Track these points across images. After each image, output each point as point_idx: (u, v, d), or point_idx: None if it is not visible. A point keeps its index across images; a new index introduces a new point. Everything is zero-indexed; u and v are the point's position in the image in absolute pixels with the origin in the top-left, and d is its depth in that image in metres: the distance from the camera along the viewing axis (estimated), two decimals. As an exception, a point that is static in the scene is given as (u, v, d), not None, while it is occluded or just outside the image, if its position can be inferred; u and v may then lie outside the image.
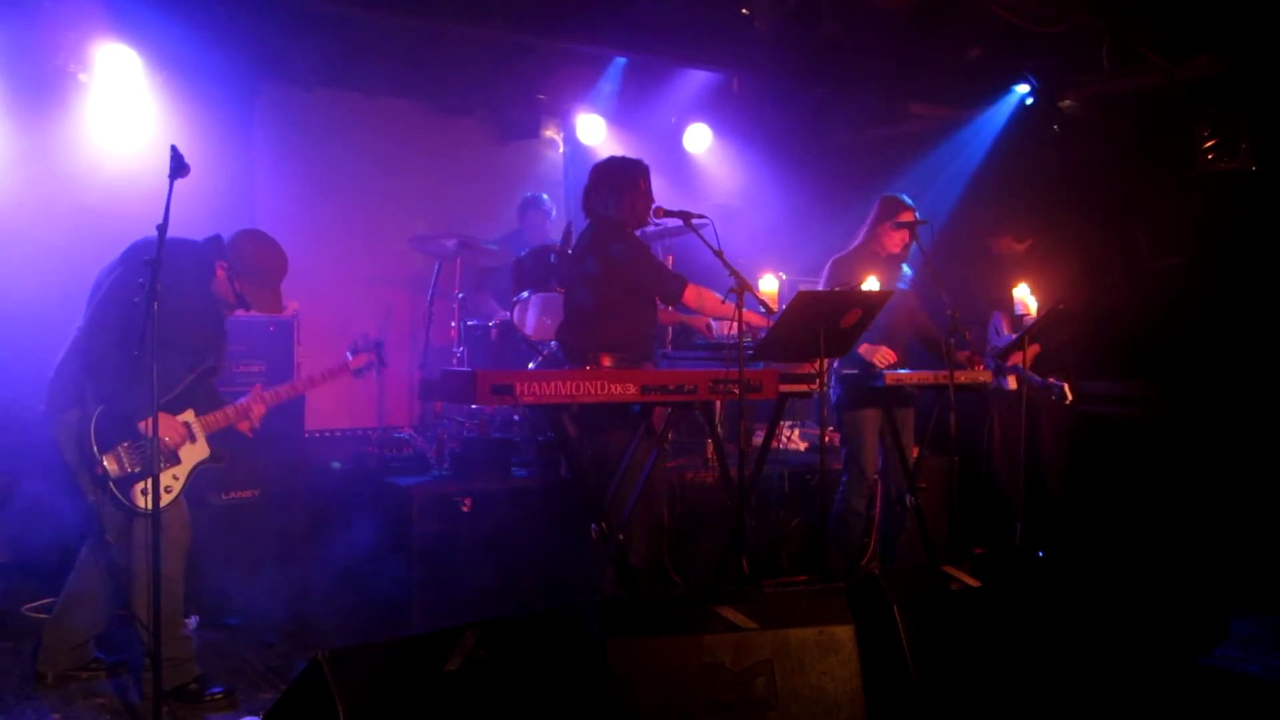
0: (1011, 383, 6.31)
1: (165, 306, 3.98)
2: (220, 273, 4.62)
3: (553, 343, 6.59)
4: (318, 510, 6.15)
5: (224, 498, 5.86)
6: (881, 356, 6.09)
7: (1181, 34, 6.78)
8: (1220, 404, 7.03)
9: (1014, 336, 6.37)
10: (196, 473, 4.67)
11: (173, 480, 4.57)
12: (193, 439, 4.64)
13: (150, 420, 4.07)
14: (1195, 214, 7.15)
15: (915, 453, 6.40)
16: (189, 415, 4.62)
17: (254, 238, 4.69)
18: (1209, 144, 7.00)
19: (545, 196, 8.06)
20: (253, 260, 4.64)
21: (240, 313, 5.69)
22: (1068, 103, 7.85)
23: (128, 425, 4.41)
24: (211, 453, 4.71)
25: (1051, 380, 6.34)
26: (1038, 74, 7.76)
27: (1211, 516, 6.77)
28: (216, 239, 4.67)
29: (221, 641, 5.49)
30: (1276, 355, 6.78)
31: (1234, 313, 6.94)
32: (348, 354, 5.20)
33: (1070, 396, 6.35)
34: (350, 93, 8.18)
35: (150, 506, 4.01)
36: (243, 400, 4.79)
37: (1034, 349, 6.41)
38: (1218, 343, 7.03)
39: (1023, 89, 7.93)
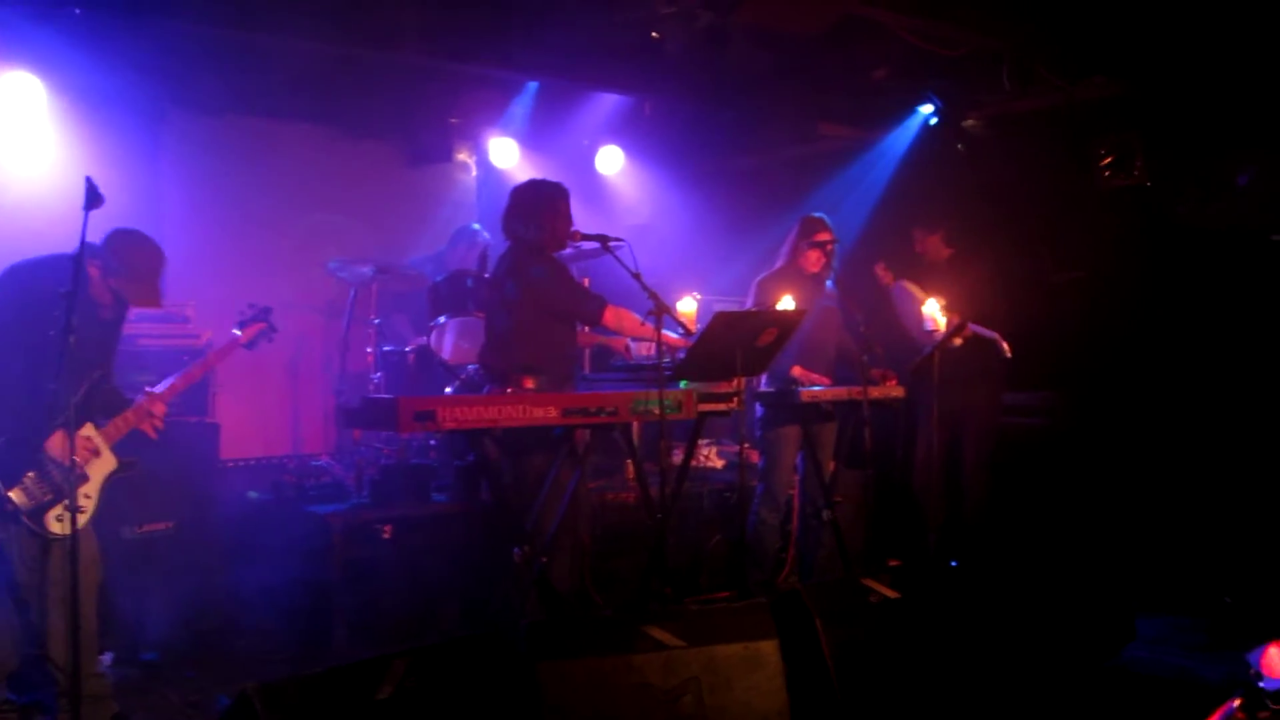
0: (956, 341, 6.44)
1: (40, 327, 3.97)
2: (94, 272, 4.51)
3: (470, 366, 6.60)
4: (234, 541, 6.05)
5: (137, 530, 5.74)
6: (815, 381, 6.23)
7: (1077, 56, 7.02)
8: (1121, 412, 7.26)
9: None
10: (108, 486, 4.59)
11: (84, 499, 4.46)
12: (97, 453, 4.56)
13: (52, 443, 4.14)
14: (1095, 229, 7.40)
15: (831, 467, 6.52)
16: (89, 430, 4.53)
17: (124, 235, 4.59)
18: (1106, 161, 7.23)
19: (477, 226, 8.05)
20: (124, 255, 4.53)
21: (149, 341, 5.60)
22: (971, 122, 8.06)
23: (30, 454, 4.33)
24: (119, 462, 4.63)
25: (990, 334, 6.57)
26: (941, 95, 7.95)
27: (1116, 521, 6.98)
28: (87, 245, 4.47)
29: (139, 677, 5.37)
30: (1172, 363, 7.02)
31: (1133, 324, 7.17)
32: (235, 329, 5.14)
33: (1008, 352, 6.63)
34: (260, 118, 8.09)
35: (67, 531, 3.95)
36: (139, 401, 4.71)
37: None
38: (1118, 353, 7.26)
39: (927, 109, 8.11)
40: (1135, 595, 6.13)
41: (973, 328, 6.57)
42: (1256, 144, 6.66)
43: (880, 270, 7.26)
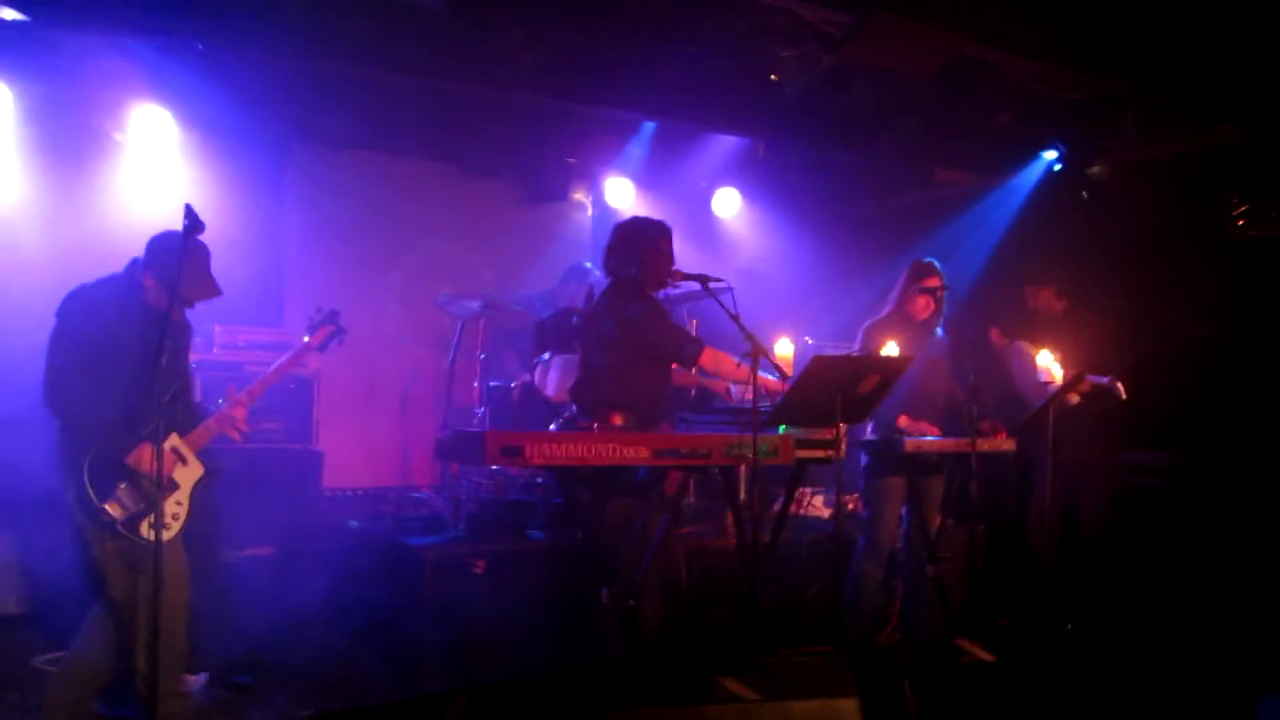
0: (1073, 398, 6.22)
1: (110, 348, 4.18)
2: (149, 283, 4.62)
3: (573, 406, 6.58)
4: (332, 568, 6.12)
5: (238, 554, 5.85)
6: (922, 430, 6.06)
7: (1205, 101, 6.75)
8: (1251, 477, 6.88)
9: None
10: (205, 500, 4.68)
11: (177, 506, 4.57)
12: (184, 461, 4.64)
13: (138, 452, 4.30)
14: (1227, 283, 7.07)
15: (938, 522, 6.31)
16: (173, 439, 4.61)
17: (163, 238, 4.66)
18: (1239, 211, 6.93)
19: (589, 265, 8.09)
20: (170, 256, 4.62)
21: (254, 369, 5.71)
22: (1096, 169, 7.82)
23: (120, 466, 4.44)
24: (206, 469, 4.71)
25: (1105, 380, 6.31)
26: (1065, 140, 7.73)
27: (1240, 592, 6.61)
28: (134, 261, 4.66)
29: (230, 700, 5.44)
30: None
31: (1264, 382, 6.81)
32: (305, 334, 5.17)
33: (1124, 394, 6.35)
34: (380, 154, 8.28)
35: (163, 539, 4.06)
36: (222, 408, 4.80)
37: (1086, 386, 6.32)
38: (1250, 414, 6.90)
39: (1050, 155, 7.90)
40: (1257, 674, 5.77)
41: (1089, 378, 6.32)
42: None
43: (995, 335, 7.04)
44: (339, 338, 5.29)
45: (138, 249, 4.71)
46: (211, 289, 4.76)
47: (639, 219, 5.73)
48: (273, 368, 5.08)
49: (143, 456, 4.42)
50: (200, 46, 6.22)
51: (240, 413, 4.83)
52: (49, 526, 5.50)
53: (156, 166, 7.17)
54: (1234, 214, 7.05)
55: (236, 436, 4.85)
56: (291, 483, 6.10)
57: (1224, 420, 7.05)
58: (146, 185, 7.18)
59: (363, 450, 7.94)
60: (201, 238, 4.47)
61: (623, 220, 5.75)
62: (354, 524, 6.56)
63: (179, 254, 4.41)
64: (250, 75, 6.77)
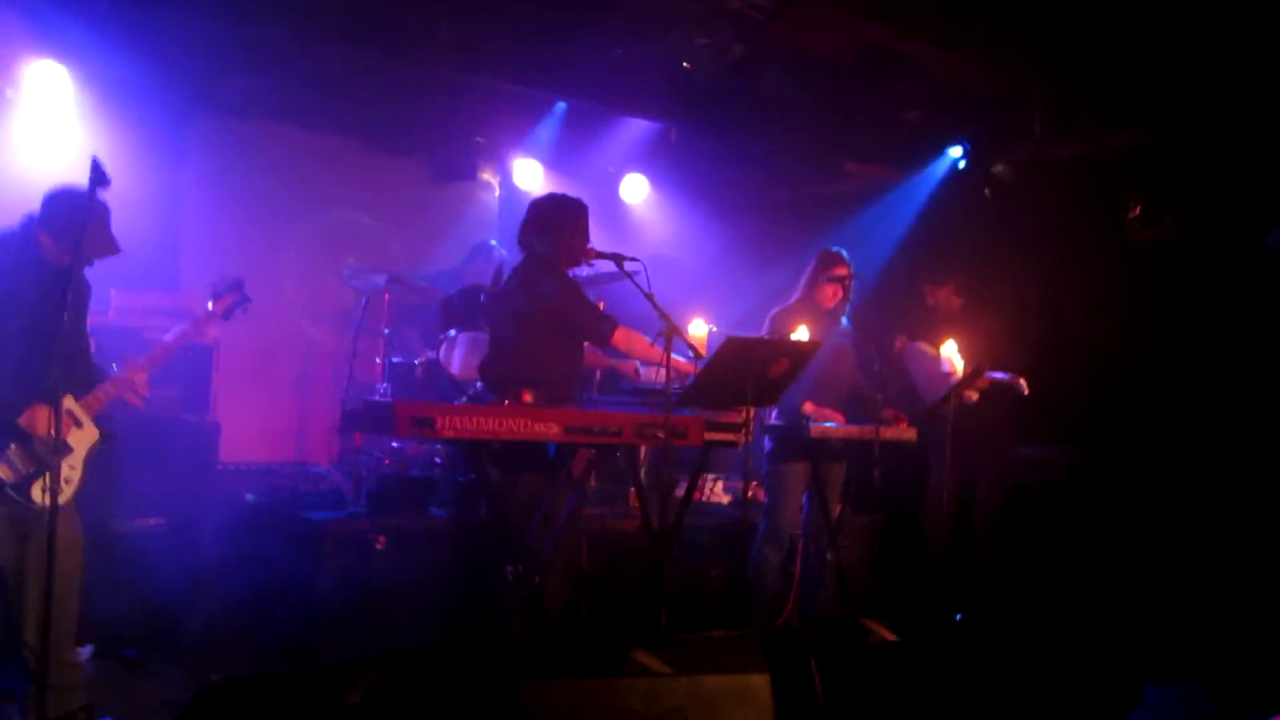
0: (973, 396, 6.32)
1: (4, 303, 4.09)
2: (44, 239, 4.46)
3: (478, 383, 6.50)
4: (226, 542, 5.96)
5: (128, 523, 5.66)
6: (827, 417, 6.11)
7: (1113, 104, 6.94)
8: (1140, 471, 7.10)
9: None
10: (98, 465, 4.51)
11: (70, 470, 4.41)
12: (79, 424, 4.48)
13: (32, 413, 4.17)
14: (1121, 283, 7.27)
15: (839, 509, 6.39)
16: (68, 401, 4.44)
17: (59, 194, 4.50)
18: (1135, 213, 7.13)
19: (495, 242, 8.00)
20: (66, 212, 4.44)
21: (158, 334, 5.53)
22: (1000, 168, 7.97)
23: (11, 426, 4.28)
24: (101, 433, 4.56)
25: (1007, 377, 6.44)
26: (971, 139, 7.88)
27: (1130, 583, 6.80)
28: (29, 215, 4.50)
29: (117, 672, 5.28)
30: (1197, 423, 6.87)
31: (1157, 381, 7.03)
32: (208, 301, 5.03)
33: (1025, 390, 6.47)
34: (286, 125, 8.09)
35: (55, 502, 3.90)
36: (120, 372, 4.64)
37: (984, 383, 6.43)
38: (1141, 410, 7.11)
39: (956, 153, 8.04)
40: (1144, 660, 5.94)
41: (989, 375, 6.44)
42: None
43: (899, 340, 7.13)
44: (243, 307, 5.15)
45: (28, 206, 4.53)
46: (111, 246, 4.61)
47: (556, 196, 5.68)
48: (174, 333, 4.93)
49: (37, 417, 4.25)
50: (103, 1, 5.99)
51: (141, 377, 4.68)
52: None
53: (51, 124, 6.87)
54: (1130, 216, 7.24)
55: (137, 402, 4.69)
56: (187, 453, 5.90)
57: (1114, 417, 7.25)
58: (40, 143, 6.88)
59: (259, 424, 7.75)
60: (100, 197, 4.32)
61: (540, 196, 5.70)
62: (250, 497, 6.40)
63: (84, 209, 4.25)
64: (156, 35, 6.53)
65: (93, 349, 4.71)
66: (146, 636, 5.51)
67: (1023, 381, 6.53)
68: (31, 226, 4.49)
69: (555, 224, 5.48)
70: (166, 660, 5.44)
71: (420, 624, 5.74)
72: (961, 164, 8.03)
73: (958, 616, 6.20)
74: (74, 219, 4.35)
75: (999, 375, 6.56)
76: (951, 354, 6.30)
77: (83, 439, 4.50)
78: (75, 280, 4.32)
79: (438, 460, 6.90)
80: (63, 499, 4.21)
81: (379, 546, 5.72)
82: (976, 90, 7.01)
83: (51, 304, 4.06)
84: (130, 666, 5.37)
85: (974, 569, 6.95)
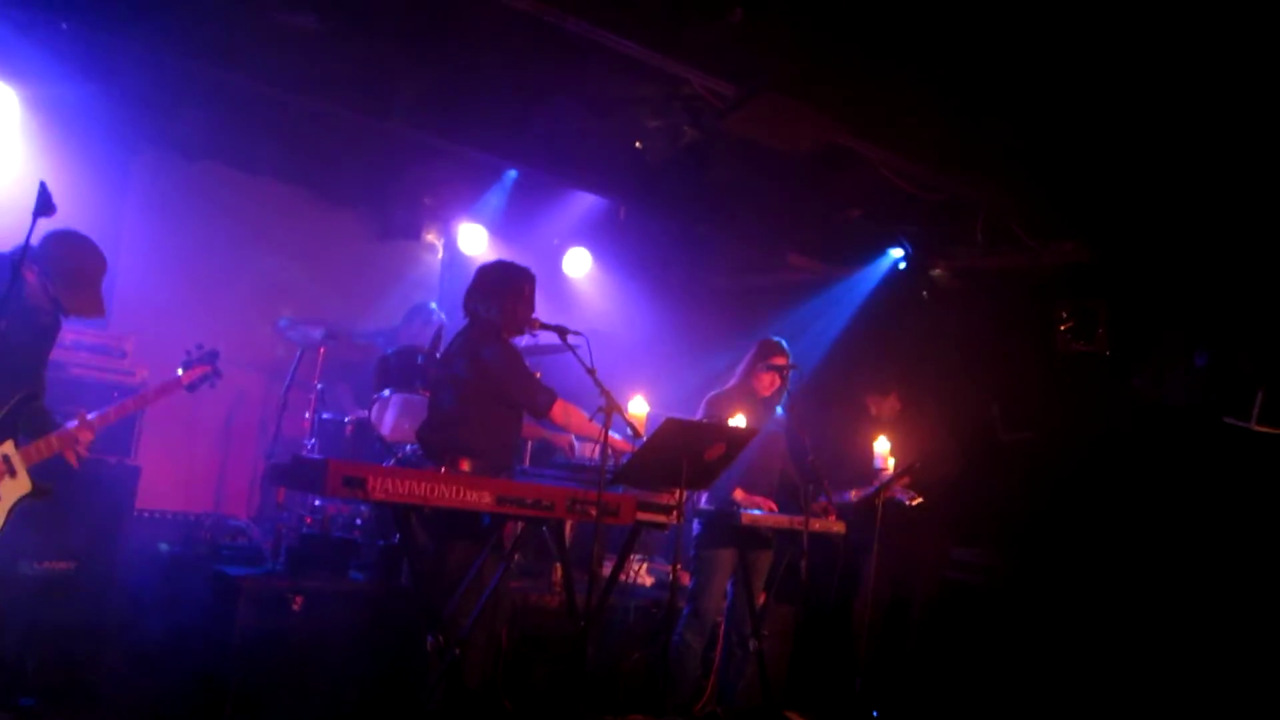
0: (852, 495, 6.42)
1: None
2: (30, 276, 4.31)
3: (409, 446, 6.42)
4: (137, 591, 5.76)
5: (37, 566, 5.44)
6: (758, 504, 6.11)
7: (1050, 218, 7.12)
8: (1060, 577, 7.18)
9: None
10: (16, 512, 4.33)
11: None
12: (12, 473, 4.31)
13: None
14: (1050, 391, 7.41)
15: (762, 598, 6.37)
16: (8, 447, 4.28)
17: (64, 236, 4.42)
18: (1066, 325, 7.29)
19: (434, 305, 7.94)
20: (65, 259, 4.37)
21: (82, 371, 5.40)
22: (938, 272, 8.13)
23: None
24: (34, 486, 4.38)
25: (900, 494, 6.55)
26: (912, 241, 8.03)
27: (1046, 688, 6.84)
28: (24, 246, 4.28)
29: (11, 723, 5.06)
30: (1114, 532, 6.98)
31: (1079, 489, 7.14)
32: (179, 368, 4.94)
33: (915, 499, 6.62)
34: (234, 169, 7.97)
35: None
36: (69, 426, 4.47)
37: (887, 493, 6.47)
38: (1062, 518, 7.21)
39: (897, 253, 8.18)
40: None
41: (898, 496, 6.55)
42: (1216, 328, 6.74)
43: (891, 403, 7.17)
44: (212, 381, 5.09)
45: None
46: (97, 307, 4.47)
47: (504, 263, 5.68)
48: (135, 397, 4.85)
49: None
50: (65, 26, 5.90)
51: (87, 436, 4.54)
52: None
53: (-7, 144, 6.75)
54: (1061, 328, 7.39)
55: (74, 462, 4.54)
56: (104, 496, 5.71)
57: (1034, 524, 7.34)
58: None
59: (179, 471, 7.56)
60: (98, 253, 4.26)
61: (488, 263, 5.70)
62: (165, 547, 6.22)
63: (84, 260, 4.19)
64: (111, 66, 6.44)
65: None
66: (47, 686, 5.27)
67: (916, 499, 6.64)
68: (18, 259, 4.29)
69: (502, 291, 5.48)
70: (63, 712, 5.21)
71: (336, 690, 5.58)
72: (902, 265, 8.16)
73: (875, 713, 6.22)
74: (74, 269, 4.26)
75: (898, 495, 6.63)
76: (883, 450, 6.37)
77: (13, 489, 4.33)
78: (50, 326, 4.21)
79: (359, 522, 6.78)
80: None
81: (296, 607, 5.57)
82: (921, 194, 7.14)
83: (15, 342, 3.92)
84: (26, 716, 5.14)
85: (896, 666, 6.95)
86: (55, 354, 6.06)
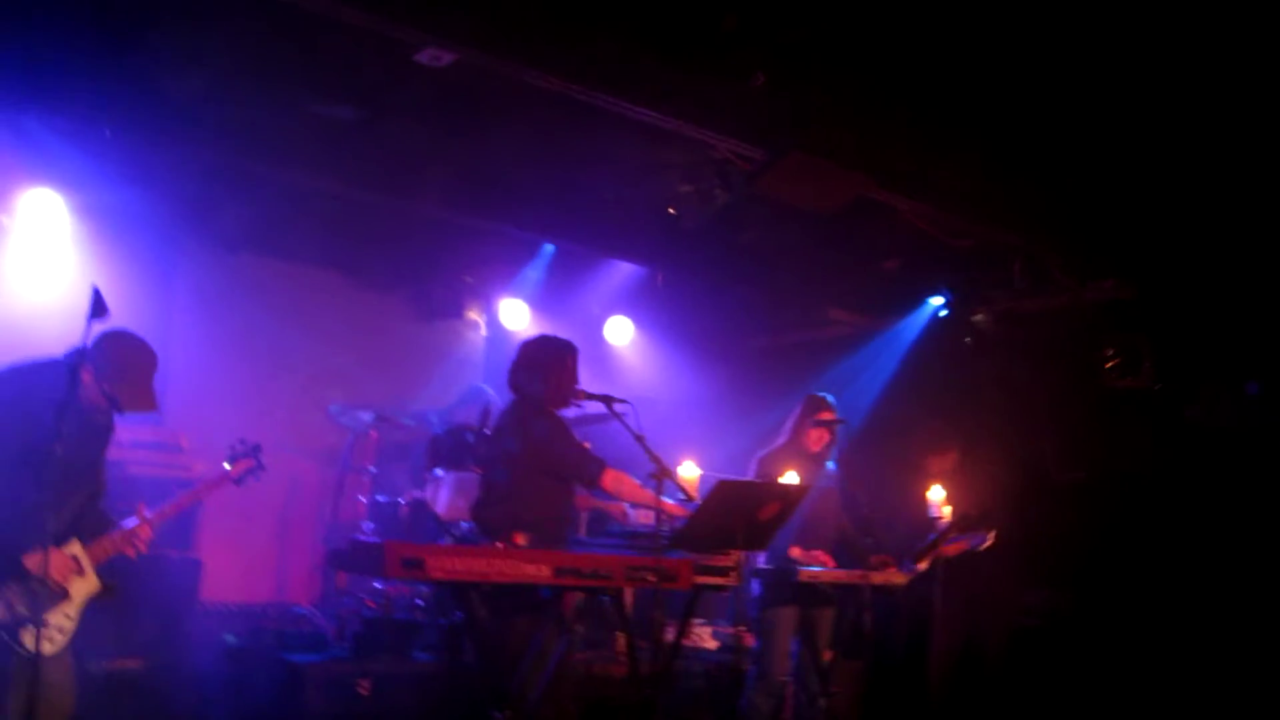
0: (922, 565, 6.30)
1: (34, 434, 3.93)
2: (86, 377, 4.39)
3: (464, 524, 6.45)
4: (205, 683, 5.80)
5: (104, 665, 5.50)
6: (815, 560, 6.08)
7: (1089, 257, 7.12)
8: (1127, 616, 7.07)
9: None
10: (87, 608, 4.40)
11: (64, 619, 4.30)
12: (81, 572, 4.37)
13: (37, 557, 3.98)
14: (1100, 429, 7.36)
15: (829, 655, 6.31)
16: (75, 547, 4.35)
17: (118, 336, 4.49)
18: (1112, 362, 7.25)
19: (486, 386, 8.02)
20: (118, 358, 4.43)
21: (140, 469, 5.48)
22: (980, 317, 8.11)
23: (13, 565, 4.16)
24: (102, 585, 4.44)
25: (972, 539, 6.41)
26: (952, 288, 8.04)
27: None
28: (79, 349, 4.32)
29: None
30: (1181, 566, 6.88)
31: (1139, 526, 7.06)
32: (225, 463, 5.01)
33: (990, 540, 6.41)
34: (275, 259, 8.15)
35: (46, 651, 3.90)
36: (128, 523, 4.55)
37: (956, 547, 6.40)
38: (1124, 556, 7.12)
39: (937, 301, 8.19)
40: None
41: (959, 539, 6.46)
42: (1266, 355, 6.69)
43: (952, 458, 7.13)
44: (257, 475, 5.15)
45: (21, 335, 4.52)
46: (150, 403, 4.56)
47: (546, 337, 5.73)
48: (188, 493, 4.91)
49: (39, 559, 4.13)
50: (109, 133, 6.08)
51: (146, 533, 4.60)
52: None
53: (44, 252, 6.92)
54: (1107, 365, 7.35)
55: (133, 554, 4.61)
56: (167, 591, 5.80)
57: (1096, 563, 7.26)
58: (32, 269, 6.91)
59: (239, 563, 7.62)
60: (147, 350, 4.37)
61: (530, 338, 5.75)
62: (231, 638, 6.26)
63: (140, 363, 4.29)
64: (153, 167, 6.63)
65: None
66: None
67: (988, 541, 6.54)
68: (75, 360, 4.32)
69: (545, 365, 5.53)
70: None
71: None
72: (943, 313, 8.16)
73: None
74: (127, 368, 4.36)
75: (965, 539, 6.55)
76: (938, 499, 6.33)
77: (83, 588, 4.38)
78: (106, 425, 4.30)
79: (419, 602, 6.81)
80: (55, 648, 4.14)
81: (363, 691, 5.59)
82: (956, 242, 7.16)
83: (75, 444, 4.01)
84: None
85: (969, 716, 6.86)
86: (114, 453, 6.16)
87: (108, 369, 4.41)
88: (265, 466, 5.14)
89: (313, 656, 5.81)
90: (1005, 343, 8.08)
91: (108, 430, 4.62)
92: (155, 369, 4.57)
